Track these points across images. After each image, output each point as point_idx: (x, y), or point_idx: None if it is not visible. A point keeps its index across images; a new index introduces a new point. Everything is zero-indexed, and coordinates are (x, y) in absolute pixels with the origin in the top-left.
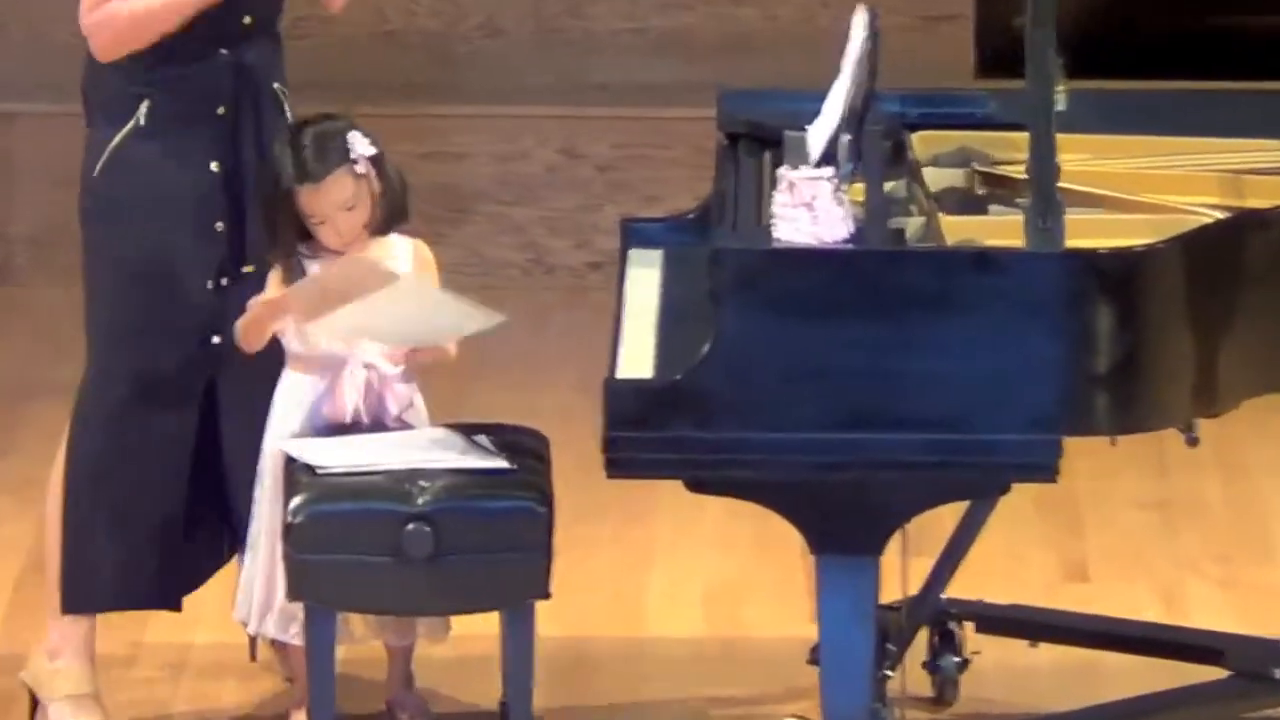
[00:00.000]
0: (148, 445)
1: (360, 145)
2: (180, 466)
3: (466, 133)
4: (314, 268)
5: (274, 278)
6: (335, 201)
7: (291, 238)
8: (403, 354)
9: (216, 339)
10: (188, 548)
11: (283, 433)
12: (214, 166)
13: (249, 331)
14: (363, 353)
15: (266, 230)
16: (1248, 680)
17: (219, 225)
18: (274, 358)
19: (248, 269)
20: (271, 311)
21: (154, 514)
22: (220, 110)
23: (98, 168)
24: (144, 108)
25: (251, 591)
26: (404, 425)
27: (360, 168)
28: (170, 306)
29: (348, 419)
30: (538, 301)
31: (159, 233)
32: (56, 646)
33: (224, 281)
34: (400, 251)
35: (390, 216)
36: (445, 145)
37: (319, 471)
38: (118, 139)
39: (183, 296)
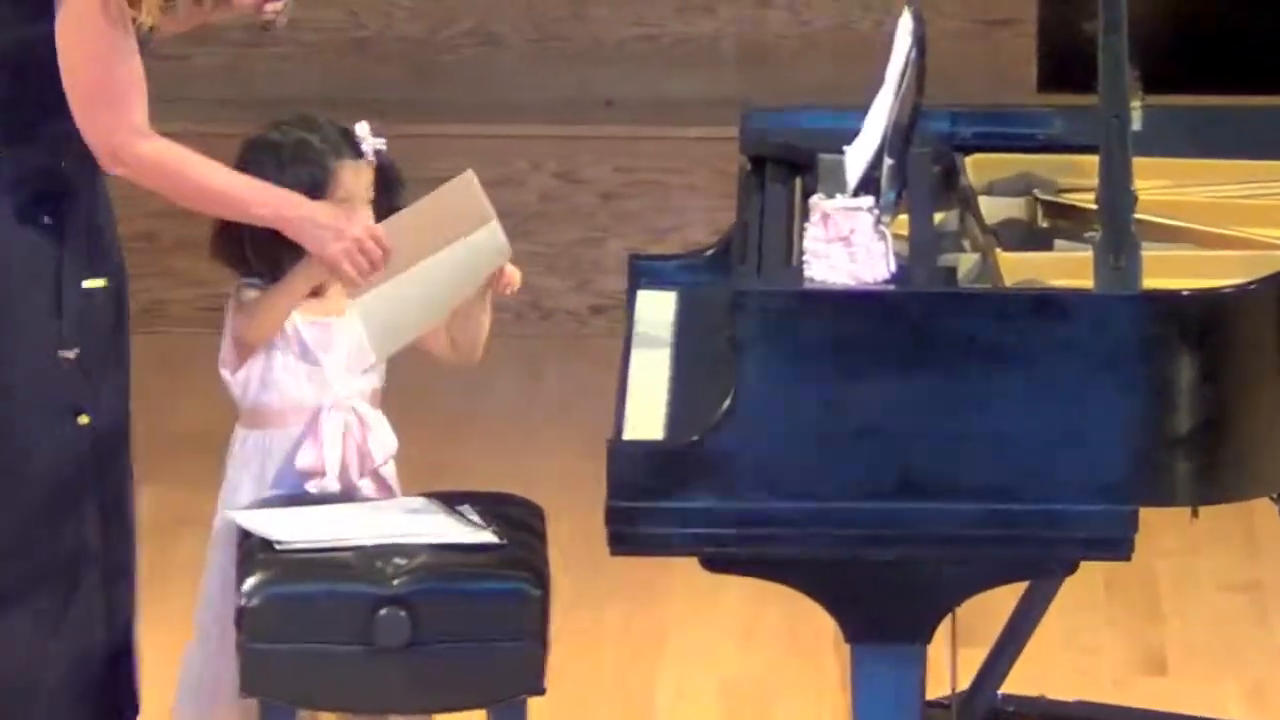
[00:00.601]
0: None
1: (370, 135)
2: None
3: (450, 156)
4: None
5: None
6: (366, 183)
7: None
8: (378, 397)
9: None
10: None
11: (234, 502)
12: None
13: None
14: (341, 395)
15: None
16: None
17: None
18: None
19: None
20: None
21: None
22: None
23: None
24: None
25: (197, 687)
26: (381, 483)
27: (366, 148)
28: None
29: (329, 470)
30: (531, 351)
31: None
32: None
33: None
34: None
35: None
36: (426, 170)
37: (278, 547)
38: None
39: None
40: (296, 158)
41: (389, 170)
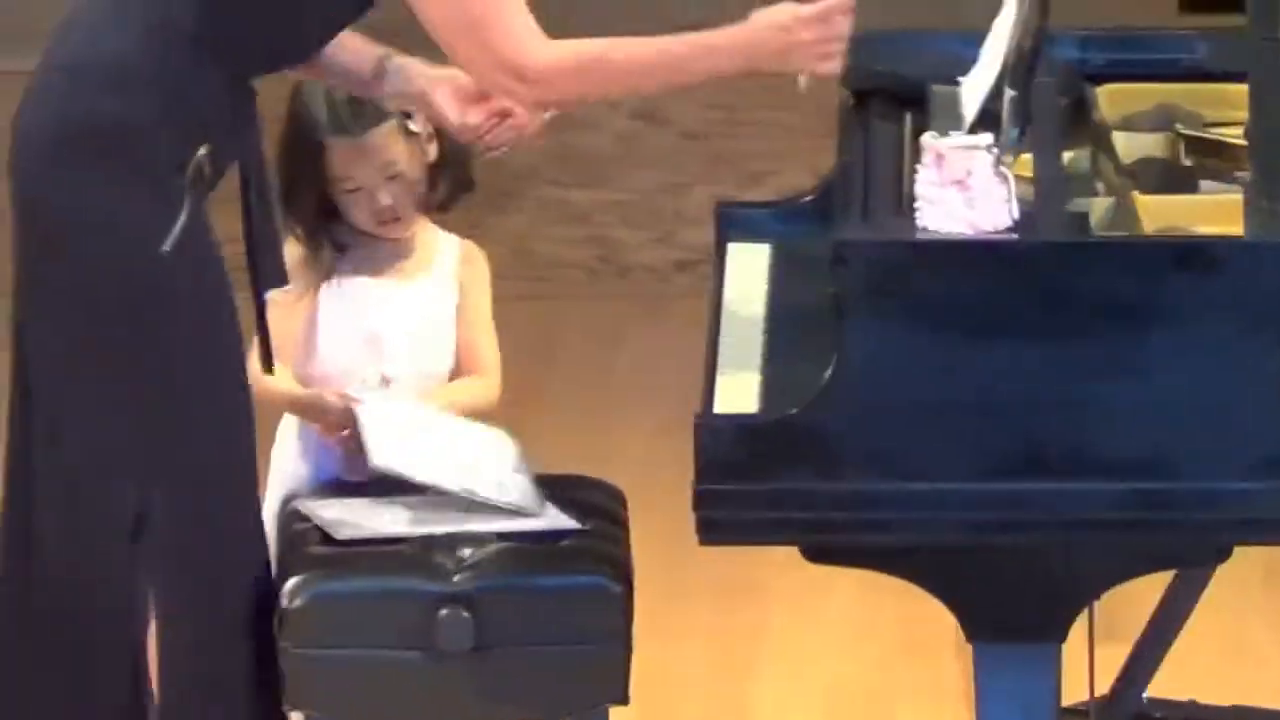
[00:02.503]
0: None
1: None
2: None
3: None
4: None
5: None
6: (378, 164)
7: (311, 211)
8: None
9: None
10: None
11: (284, 481)
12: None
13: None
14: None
15: (283, 203)
16: None
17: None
18: None
19: None
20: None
21: None
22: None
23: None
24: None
25: None
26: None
27: (415, 124)
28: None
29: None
30: (608, 313)
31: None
32: None
33: None
34: (445, 251)
35: (454, 189)
36: None
37: (336, 537)
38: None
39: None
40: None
41: (445, 134)
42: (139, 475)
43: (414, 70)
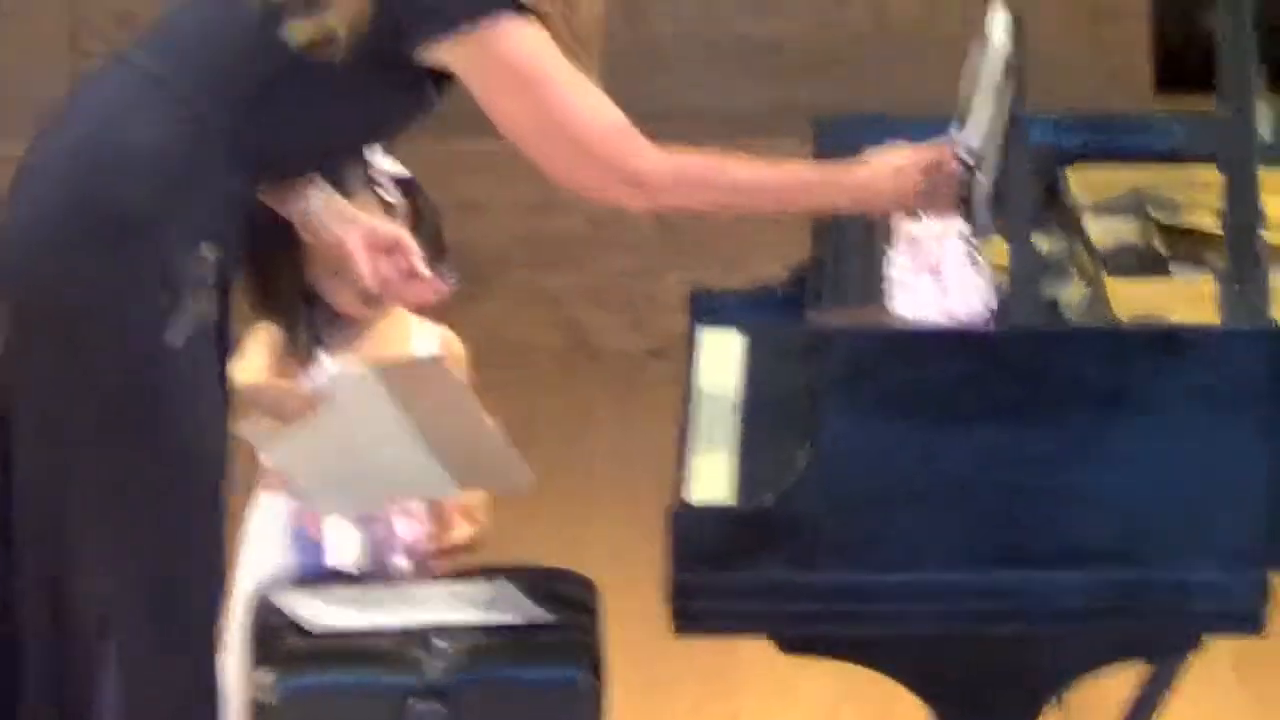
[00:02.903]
0: None
1: (384, 161)
2: None
3: (484, 174)
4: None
5: (259, 345)
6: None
7: (294, 298)
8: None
9: None
10: None
11: (258, 572)
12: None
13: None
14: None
15: (255, 292)
16: None
17: None
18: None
19: None
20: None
21: None
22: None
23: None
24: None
25: None
26: (414, 561)
27: (388, 194)
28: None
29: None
30: (579, 398)
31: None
32: None
33: None
34: (424, 339)
35: (430, 255)
36: (457, 192)
37: (309, 630)
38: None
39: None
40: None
41: (419, 199)
42: (111, 572)
43: (331, 212)
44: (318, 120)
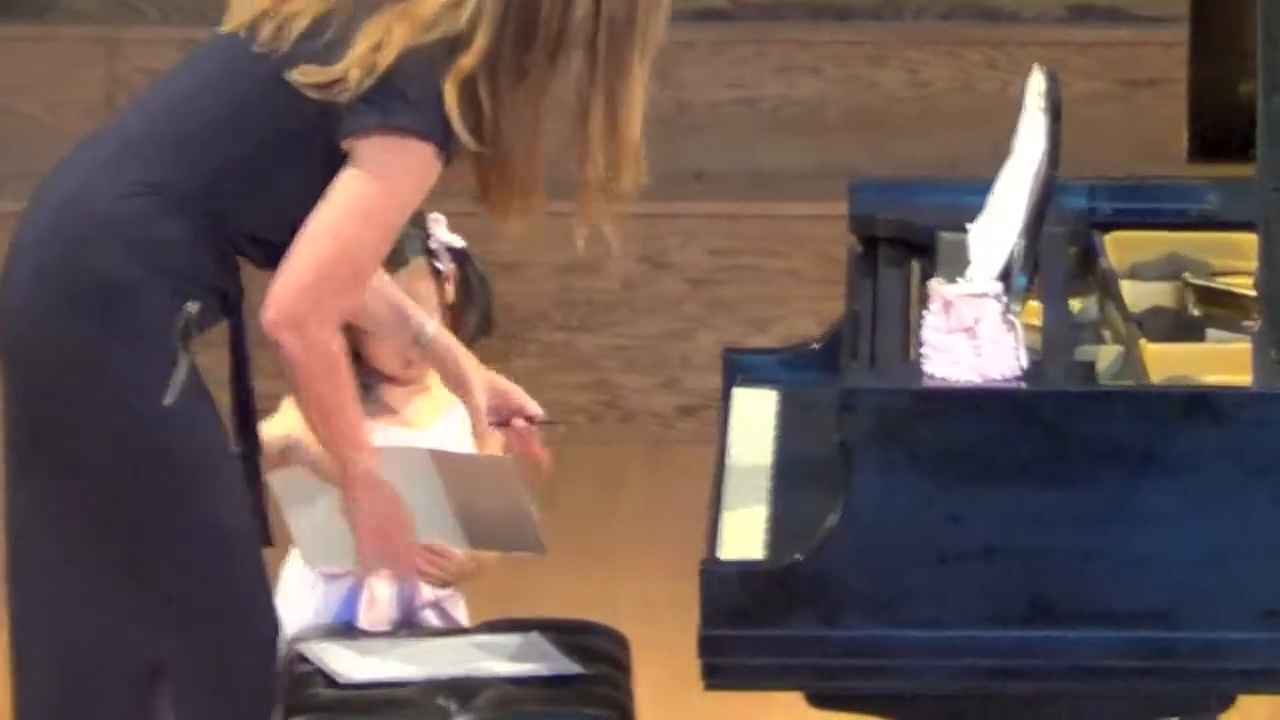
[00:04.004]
0: None
1: (443, 232)
2: None
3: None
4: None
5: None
6: (425, 291)
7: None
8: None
9: None
10: None
11: (289, 622)
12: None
13: None
14: None
15: None
16: None
17: None
18: None
19: None
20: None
21: None
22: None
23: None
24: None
25: None
26: (444, 613)
27: (441, 263)
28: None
29: (386, 616)
30: (611, 458)
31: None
32: None
33: None
34: (454, 410)
35: (476, 330)
36: (489, 251)
37: (340, 681)
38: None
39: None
40: None
41: (470, 271)
42: (147, 628)
43: (450, 361)
44: (278, 190)
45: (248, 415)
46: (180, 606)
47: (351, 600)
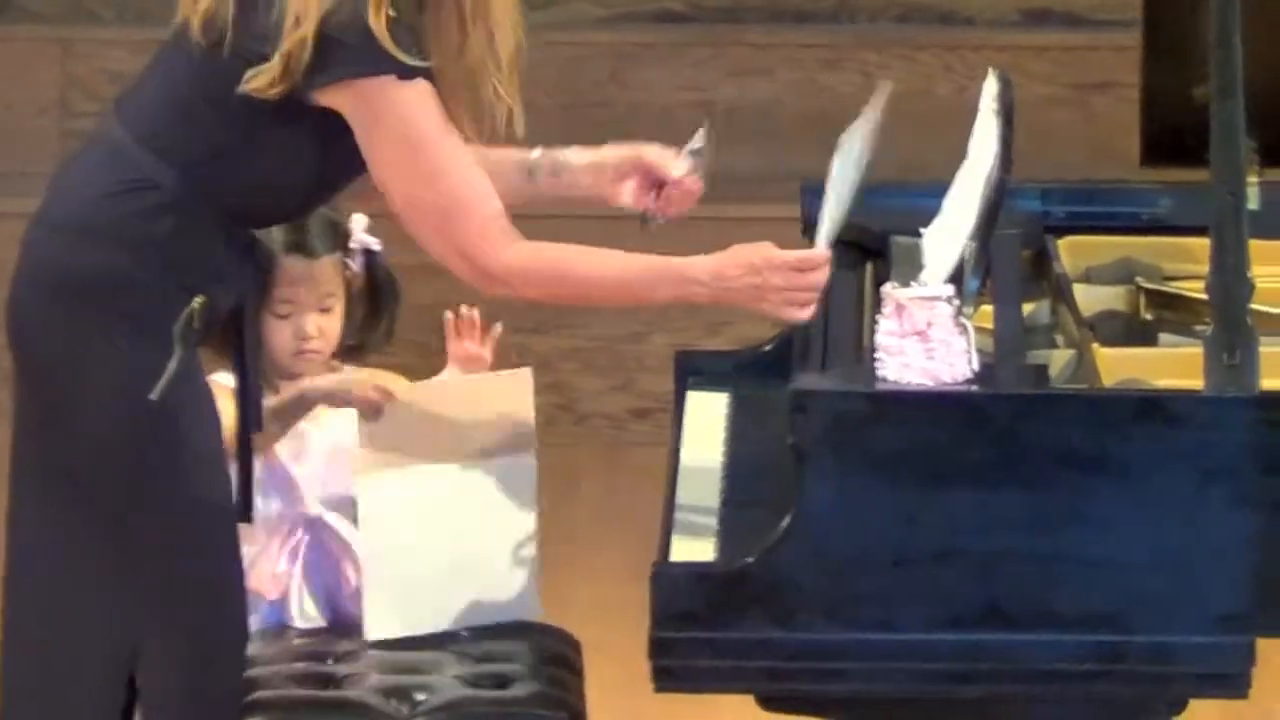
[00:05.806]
0: None
1: (362, 233)
2: None
3: None
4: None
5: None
6: (320, 292)
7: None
8: None
9: None
10: None
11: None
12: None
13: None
14: (314, 513)
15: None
16: None
17: None
18: None
19: None
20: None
21: None
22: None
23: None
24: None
25: None
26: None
27: (354, 262)
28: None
29: (274, 595)
30: (565, 461)
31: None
32: None
33: None
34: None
35: (364, 344)
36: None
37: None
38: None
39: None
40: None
41: (379, 276)
42: (130, 608)
43: (575, 172)
44: (262, 174)
45: (249, 406)
46: (165, 588)
47: (279, 608)
